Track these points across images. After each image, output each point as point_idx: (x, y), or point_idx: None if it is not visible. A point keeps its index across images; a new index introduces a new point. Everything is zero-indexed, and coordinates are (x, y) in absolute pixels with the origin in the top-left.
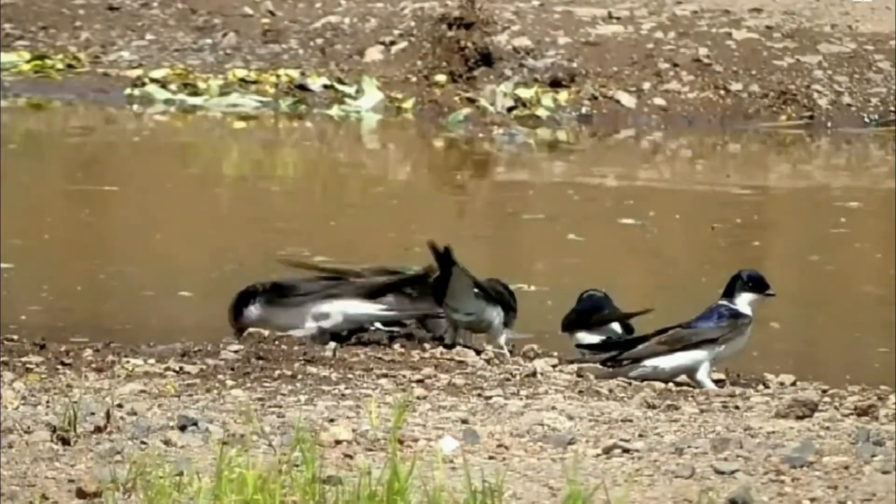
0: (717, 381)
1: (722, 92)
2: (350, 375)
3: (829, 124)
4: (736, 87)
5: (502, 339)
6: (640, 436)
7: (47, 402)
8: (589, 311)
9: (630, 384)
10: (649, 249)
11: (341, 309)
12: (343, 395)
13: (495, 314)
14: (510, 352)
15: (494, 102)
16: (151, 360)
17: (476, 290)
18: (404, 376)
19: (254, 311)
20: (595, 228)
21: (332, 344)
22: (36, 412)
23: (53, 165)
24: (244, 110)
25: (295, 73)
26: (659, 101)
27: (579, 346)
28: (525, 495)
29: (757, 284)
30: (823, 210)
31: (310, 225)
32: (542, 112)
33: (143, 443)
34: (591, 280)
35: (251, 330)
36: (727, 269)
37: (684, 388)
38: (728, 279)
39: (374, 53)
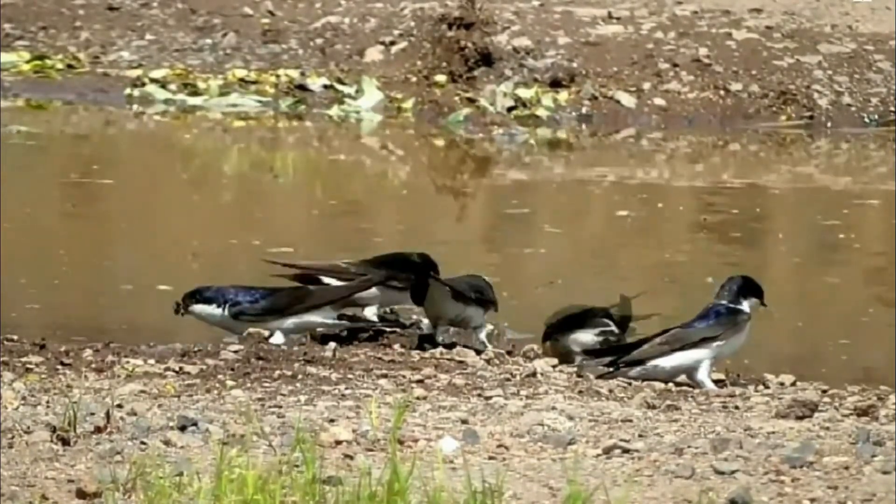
0: (717, 381)
1: (722, 92)
2: (350, 375)
3: (829, 124)
4: (736, 87)
5: (482, 335)
6: (640, 436)
7: (47, 402)
8: (578, 313)
9: (630, 384)
10: (627, 243)
11: (302, 320)
12: (343, 395)
13: (473, 313)
14: (509, 352)
15: (494, 102)
16: (151, 360)
17: (453, 295)
18: (404, 376)
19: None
20: (577, 222)
21: (332, 344)
22: (36, 412)
23: (53, 165)
24: (244, 110)
25: (295, 73)
26: (659, 101)
27: (586, 351)
28: (525, 495)
29: (754, 290)
30: (821, 209)
31: (308, 224)
32: (542, 112)
33: (143, 443)
34: (557, 272)
35: (251, 330)
36: (708, 264)
37: (684, 388)
38: (690, 278)
39: (374, 53)
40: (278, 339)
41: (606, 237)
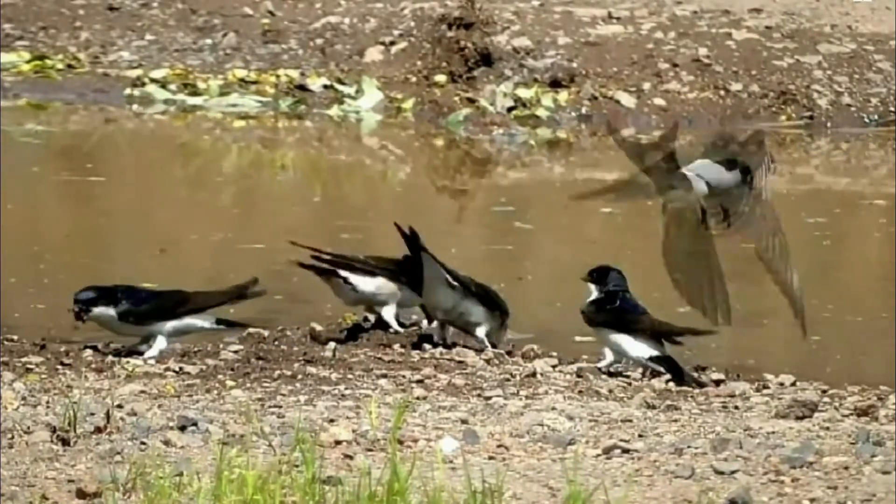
0: (716, 381)
1: (722, 92)
2: (350, 375)
3: (829, 124)
4: (736, 87)
5: (480, 332)
6: (640, 436)
7: (47, 402)
8: (625, 311)
9: (630, 384)
10: (608, 240)
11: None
12: (343, 395)
13: (472, 307)
14: (509, 352)
15: (494, 102)
16: (151, 360)
17: (452, 283)
18: (404, 376)
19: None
20: (567, 221)
21: (332, 344)
22: (36, 412)
23: (52, 165)
24: (244, 110)
25: (295, 74)
26: (659, 101)
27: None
28: (525, 495)
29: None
30: (821, 209)
31: (306, 224)
32: (541, 112)
33: (143, 443)
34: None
35: (251, 330)
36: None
37: (684, 388)
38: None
39: (374, 53)
40: (153, 351)
41: (588, 235)
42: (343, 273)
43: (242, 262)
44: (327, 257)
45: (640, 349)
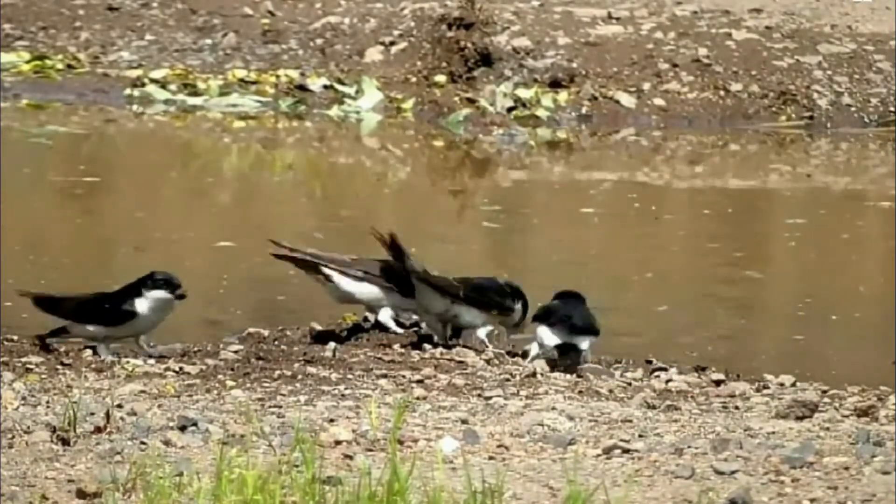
0: (716, 382)
1: (722, 92)
2: (350, 375)
3: (829, 124)
4: (736, 87)
5: (481, 333)
6: (640, 436)
7: (47, 402)
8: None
9: (630, 384)
10: (586, 240)
11: None
12: (343, 395)
13: (464, 311)
14: (509, 352)
15: (494, 103)
16: (151, 360)
17: (435, 289)
18: (404, 376)
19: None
20: (551, 221)
21: (332, 344)
22: (36, 412)
23: (52, 165)
24: (244, 110)
25: (295, 74)
26: (659, 101)
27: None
28: (525, 495)
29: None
30: (820, 209)
31: (306, 224)
32: (541, 112)
33: (143, 443)
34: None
35: (251, 330)
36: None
37: (684, 388)
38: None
39: (373, 53)
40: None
41: (576, 235)
42: (326, 271)
43: (222, 261)
44: (309, 257)
45: (551, 337)
